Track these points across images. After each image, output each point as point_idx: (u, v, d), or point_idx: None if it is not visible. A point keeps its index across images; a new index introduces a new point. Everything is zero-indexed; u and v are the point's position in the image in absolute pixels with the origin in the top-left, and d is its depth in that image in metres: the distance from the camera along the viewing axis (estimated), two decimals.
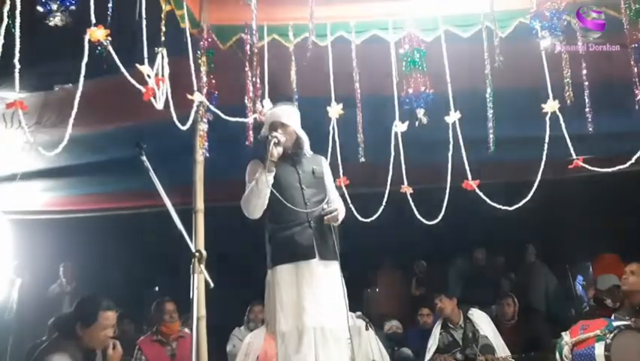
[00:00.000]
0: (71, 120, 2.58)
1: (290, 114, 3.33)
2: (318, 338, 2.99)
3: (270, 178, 3.08)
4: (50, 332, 4.25)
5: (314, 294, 3.04)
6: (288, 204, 3.09)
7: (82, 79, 2.58)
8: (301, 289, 3.03)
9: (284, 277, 3.06)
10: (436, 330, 5.09)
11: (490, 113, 3.71)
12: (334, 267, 3.16)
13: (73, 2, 2.45)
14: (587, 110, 3.54)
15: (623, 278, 4.20)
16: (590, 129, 3.52)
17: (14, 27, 2.34)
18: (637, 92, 3.43)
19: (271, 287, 3.10)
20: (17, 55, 2.34)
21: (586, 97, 3.53)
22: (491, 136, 3.71)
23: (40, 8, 2.41)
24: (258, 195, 3.07)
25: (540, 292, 7.07)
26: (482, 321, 5.01)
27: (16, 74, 2.36)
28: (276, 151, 3.11)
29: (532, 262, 7.36)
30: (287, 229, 3.12)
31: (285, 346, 3.00)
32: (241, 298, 6.16)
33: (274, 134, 3.15)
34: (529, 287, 7.04)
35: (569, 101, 3.50)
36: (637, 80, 3.44)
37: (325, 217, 3.15)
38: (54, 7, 2.40)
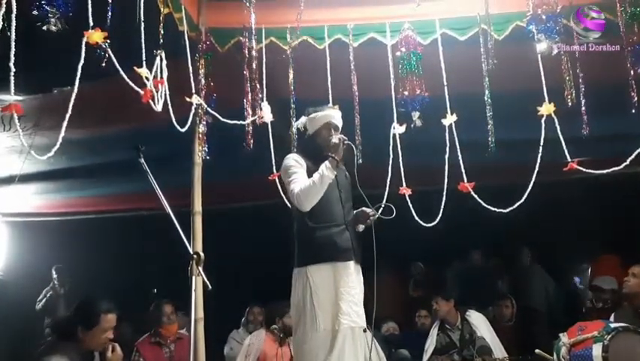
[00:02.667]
0: (65, 123, 2.58)
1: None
2: (349, 337, 3.03)
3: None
4: (49, 335, 4.26)
5: (351, 295, 3.08)
6: (367, 197, 3.19)
7: (77, 81, 2.59)
8: (338, 290, 3.05)
9: (321, 276, 3.06)
10: (434, 331, 5.10)
11: (488, 115, 3.73)
12: (360, 270, 3.23)
13: (69, 8, 2.46)
14: (583, 111, 3.55)
15: (625, 280, 4.21)
16: (586, 132, 3.53)
17: (10, 30, 2.34)
18: (633, 94, 3.44)
19: (305, 286, 3.06)
20: (12, 58, 2.35)
21: (582, 99, 3.54)
22: (490, 138, 3.73)
23: (35, 12, 2.42)
24: (321, 190, 3.07)
25: (539, 294, 7.08)
26: (480, 323, 5.02)
27: (11, 78, 2.36)
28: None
29: (527, 265, 7.38)
30: (326, 229, 3.12)
31: (320, 344, 3.00)
32: (239, 300, 6.17)
33: (344, 137, 3.20)
34: (525, 289, 7.05)
35: (570, 103, 3.52)
36: (633, 82, 3.46)
37: (369, 218, 3.21)
38: (51, 12, 2.40)
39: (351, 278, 3.11)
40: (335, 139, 3.16)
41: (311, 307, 3.01)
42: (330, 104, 3.50)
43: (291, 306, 3.19)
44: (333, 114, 3.32)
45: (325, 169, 3.06)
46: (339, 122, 3.33)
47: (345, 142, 3.18)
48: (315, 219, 3.11)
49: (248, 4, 3.43)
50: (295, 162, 3.20)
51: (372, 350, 3.24)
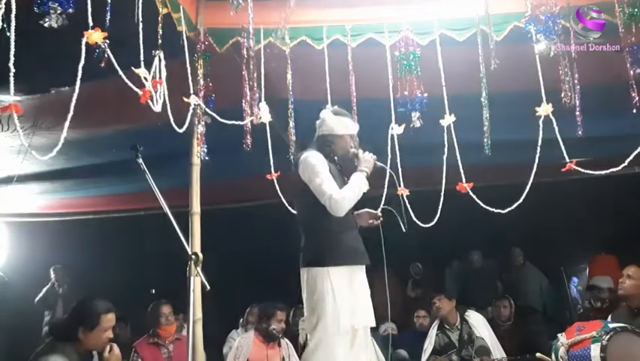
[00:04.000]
0: (67, 124, 2.57)
1: None
2: (364, 337, 3.10)
3: None
4: (47, 335, 4.25)
5: (365, 296, 3.14)
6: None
7: (78, 82, 2.58)
8: (355, 291, 3.08)
9: (342, 277, 3.05)
10: (433, 331, 5.11)
11: (485, 116, 3.73)
12: None
13: (70, 4, 2.45)
14: (580, 112, 3.55)
15: (620, 281, 4.23)
16: (579, 132, 3.53)
17: (9, 30, 2.33)
18: (634, 94, 3.44)
19: (325, 286, 3.01)
20: (12, 58, 2.34)
21: (579, 99, 3.54)
22: (487, 139, 3.73)
23: (36, 10, 2.41)
24: (356, 199, 3.11)
25: (534, 294, 7.10)
26: (479, 323, 5.03)
27: (11, 78, 2.35)
28: None
29: (520, 265, 7.41)
30: (346, 232, 3.13)
31: (340, 343, 2.98)
32: (238, 301, 6.17)
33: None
34: (520, 289, 7.08)
35: (570, 102, 3.51)
36: (633, 83, 3.46)
37: (378, 220, 3.28)
38: (52, 8, 2.40)
39: (363, 280, 3.16)
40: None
41: (334, 307, 2.98)
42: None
43: (306, 306, 3.12)
44: (355, 127, 3.35)
45: (363, 184, 3.12)
46: None
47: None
48: (336, 223, 3.08)
49: (232, 3, 3.39)
50: (321, 161, 3.13)
51: (371, 350, 3.26)
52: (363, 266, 3.18)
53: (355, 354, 3.03)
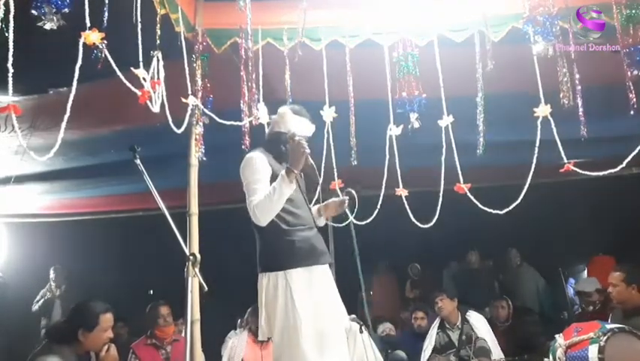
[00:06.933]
0: (64, 124, 2.56)
1: None
2: (336, 339, 2.97)
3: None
4: (45, 337, 4.25)
5: (331, 296, 3.05)
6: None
7: (75, 82, 2.58)
8: (318, 293, 2.97)
9: (301, 280, 2.94)
10: (433, 330, 5.12)
11: (480, 116, 3.73)
12: None
13: (67, 5, 2.45)
14: (580, 113, 3.55)
15: (609, 291, 4.27)
16: (584, 133, 3.53)
17: (7, 30, 2.33)
18: (631, 95, 3.44)
19: (286, 291, 2.91)
20: (11, 59, 2.34)
21: (579, 100, 3.55)
22: (481, 139, 3.73)
23: (34, 11, 2.41)
24: (277, 206, 2.91)
25: (531, 295, 7.11)
26: (480, 324, 5.04)
27: (10, 78, 2.35)
28: None
29: (517, 265, 7.42)
30: (301, 232, 3.01)
31: (309, 348, 2.85)
32: (237, 301, 6.16)
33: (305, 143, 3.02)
34: (517, 290, 7.09)
35: (569, 102, 3.51)
36: (630, 84, 3.46)
37: (342, 205, 3.21)
38: (47, 9, 2.40)
39: (328, 280, 3.07)
40: (298, 149, 2.96)
41: (294, 311, 2.88)
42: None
43: (267, 314, 2.99)
44: (312, 129, 3.23)
45: (285, 186, 2.88)
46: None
47: (310, 161, 3.02)
48: (288, 223, 2.99)
49: (242, 2, 3.39)
50: (263, 166, 3.02)
51: (369, 351, 3.23)
52: (326, 265, 3.07)
53: (329, 357, 2.86)
